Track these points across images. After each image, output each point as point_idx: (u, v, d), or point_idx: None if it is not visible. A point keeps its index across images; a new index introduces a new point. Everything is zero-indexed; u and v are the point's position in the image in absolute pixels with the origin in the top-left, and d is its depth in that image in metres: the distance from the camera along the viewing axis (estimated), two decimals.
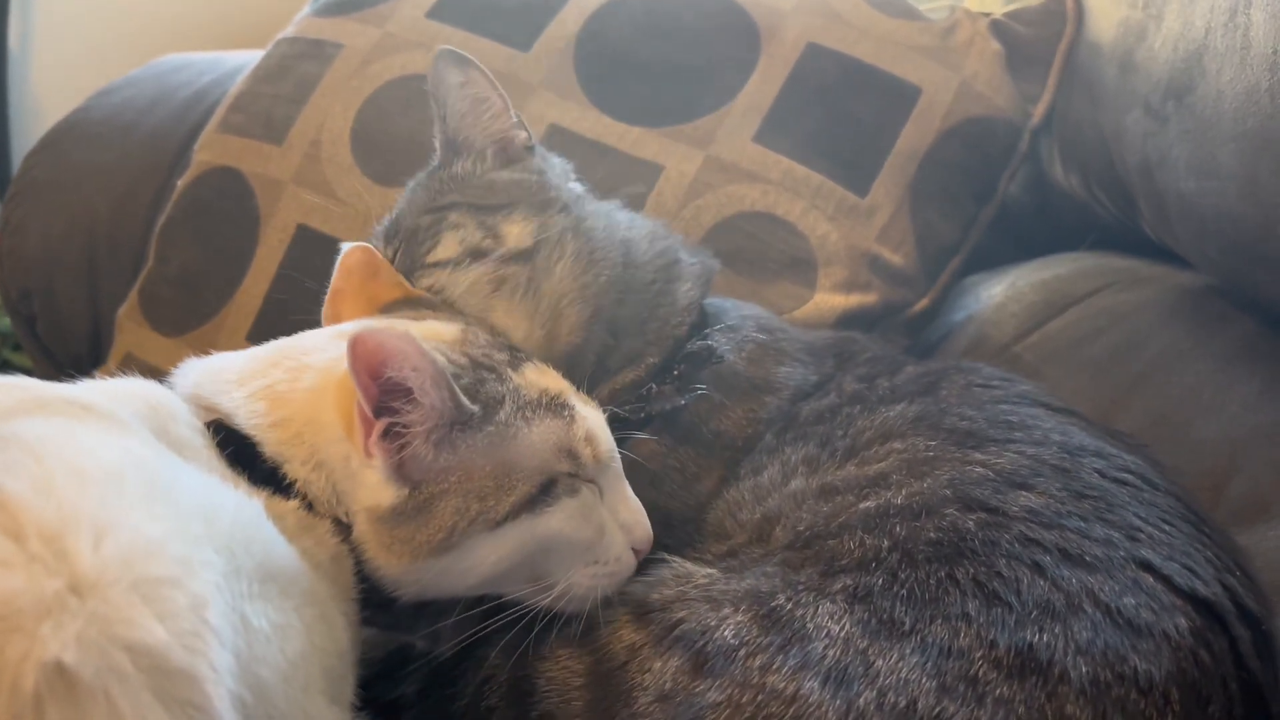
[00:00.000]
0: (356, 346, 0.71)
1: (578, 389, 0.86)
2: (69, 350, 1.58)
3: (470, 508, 0.74)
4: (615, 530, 0.82)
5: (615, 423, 0.88)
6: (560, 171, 1.06)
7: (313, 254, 1.33)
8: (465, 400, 0.75)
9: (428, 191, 1.01)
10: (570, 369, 0.95)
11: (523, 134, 1.04)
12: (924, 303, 1.32)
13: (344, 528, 0.78)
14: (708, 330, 1.01)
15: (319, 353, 0.81)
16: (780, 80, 1.35)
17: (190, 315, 1.39)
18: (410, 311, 0.88)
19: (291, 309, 1.16)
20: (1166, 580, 0.74)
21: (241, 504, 0.68)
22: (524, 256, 0.95)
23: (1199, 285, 1.22)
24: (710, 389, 0.96)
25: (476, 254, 0.94)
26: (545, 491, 0.77)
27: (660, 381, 0.97)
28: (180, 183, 1.45)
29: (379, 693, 0.79)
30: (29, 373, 1.83)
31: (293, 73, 1.44)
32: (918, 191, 1.31)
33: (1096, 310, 1.24)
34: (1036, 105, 1.37)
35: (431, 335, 0.82)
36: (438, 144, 1.05)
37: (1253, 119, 0.97)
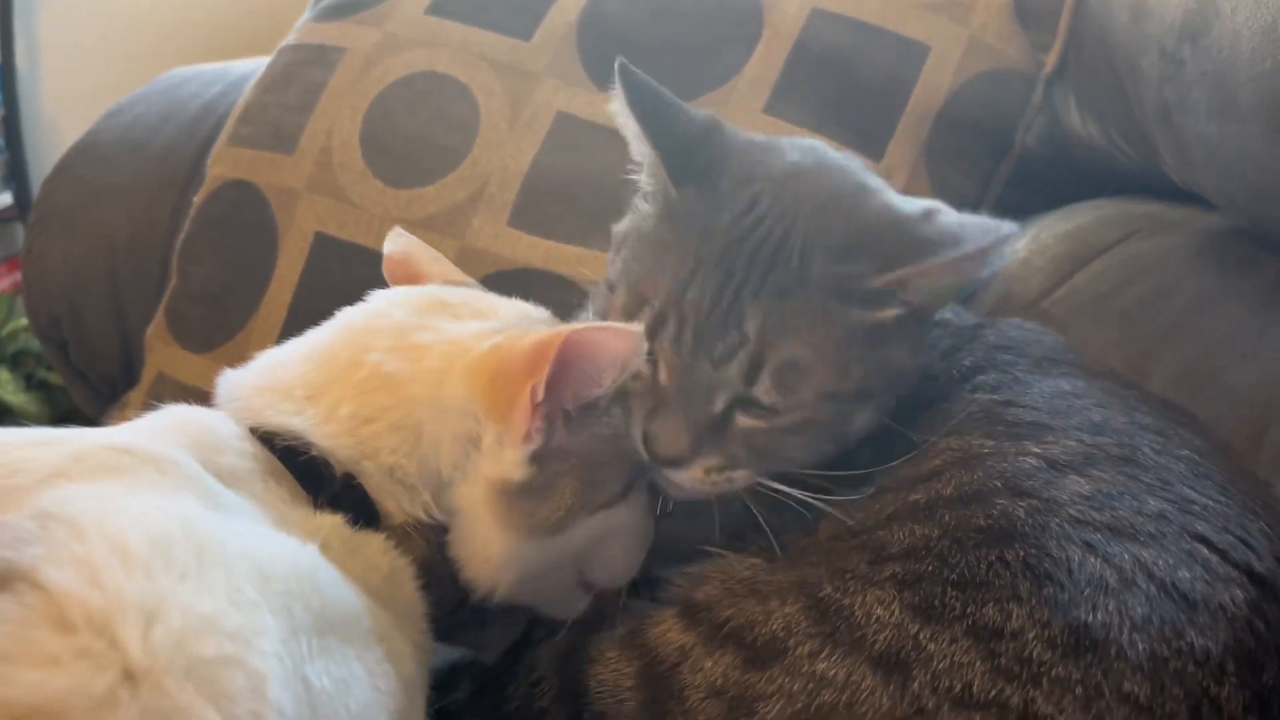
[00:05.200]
0: (579, 343, 0.73)
1: None
2: (101, 372, 1.59)
3: (585, 491, 0.78)
4: None
5: None
6: None
7: (333, 261, 1.34)
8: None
9: None
10: None
11: None
12: None
13: (405, 537, 0.77)
14: None
15: (428, 331, 0.79)
16: (786, 49, 1.33)
17: (217, 331, 1.39)
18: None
19: (317, 318, 1.17)
20: (1222, 553, 0.74)
21: (296, 550, 0.66)
22: None
23: (1225, 228, 1.19)
24: None
25: None
26: (633, 482, 0.82)
27: None
28: (196, 199, 1.45)
29: (431, 699, 0.80)
30: (63, 389, 1.84)
31: (298, 80, 1.44)
32: (933, 150, 1.30)
33: (1123, 260, 1.22)
34: (1048, 54, 1.34)
35: None
36: None
37: (1270, 58, 0.95)
